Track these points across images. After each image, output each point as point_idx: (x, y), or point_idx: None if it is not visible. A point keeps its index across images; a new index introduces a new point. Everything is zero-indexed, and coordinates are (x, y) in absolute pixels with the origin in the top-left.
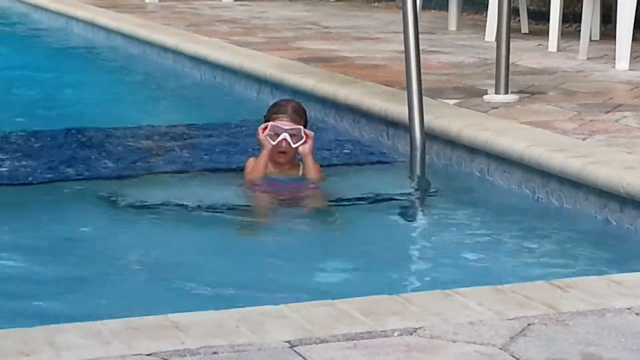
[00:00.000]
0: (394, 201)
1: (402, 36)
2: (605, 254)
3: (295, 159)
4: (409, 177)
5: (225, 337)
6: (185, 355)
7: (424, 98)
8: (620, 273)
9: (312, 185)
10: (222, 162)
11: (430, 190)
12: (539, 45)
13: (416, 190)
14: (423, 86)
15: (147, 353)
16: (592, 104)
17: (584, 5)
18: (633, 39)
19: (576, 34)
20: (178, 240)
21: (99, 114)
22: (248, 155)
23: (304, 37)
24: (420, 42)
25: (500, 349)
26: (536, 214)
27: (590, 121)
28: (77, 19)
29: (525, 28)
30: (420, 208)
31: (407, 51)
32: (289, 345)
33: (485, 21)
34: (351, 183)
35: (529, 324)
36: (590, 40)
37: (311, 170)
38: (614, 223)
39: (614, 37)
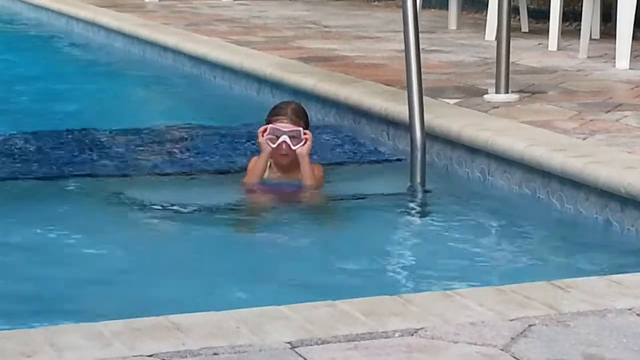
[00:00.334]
0: (394, 201)
1: (402, 35)
2: (606, 254)
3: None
4: (410, 177)
5: (226, 338)
6: (186, 357)
7: (425, 97)
8: (621, 273)
9: (310, 190)
10: (222, 163)
11: (431, 190)
12: (539, 44)
13: (416, 190)
14: (423, 85)
15: (148, 354)
16: (592, 103)
17: (584, 3)
18: (633, 38)
19: (576, 33)
20: (178, 240)
21: (99, 114)
22: (248, 156)
23: (304, 37)
24: (421, 41)
25: (502, 349)
26: (537, 214)
27: (591, 120)
28: (77, 19)
29: (525, 27)
30: (421, 208)
31: (407, 50)
32: (289, 346)
33: (486, 20)
34: (351, 183)
35: (530, 325)
36: (591, 39)
37: (307, 172)
38: (615, 223)
39: (614, 36)
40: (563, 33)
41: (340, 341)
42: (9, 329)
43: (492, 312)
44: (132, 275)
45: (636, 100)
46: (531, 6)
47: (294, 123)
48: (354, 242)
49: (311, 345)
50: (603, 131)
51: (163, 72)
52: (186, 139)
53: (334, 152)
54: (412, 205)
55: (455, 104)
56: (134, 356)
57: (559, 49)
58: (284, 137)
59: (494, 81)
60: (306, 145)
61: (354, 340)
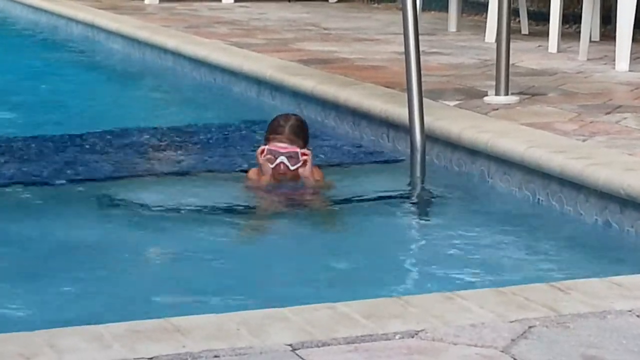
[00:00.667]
0: (394, 203)
1: (402, 37)
2: (606, 255)
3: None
4: (410, 179)
5: (227, 341)
6: (186, 359)
7: (424, 99)
8: (621, 275)
9: (312, 191)
10: (222, 164)
11: (431, 192)
12: (539, 46)
13: (416, 192)
14: (423, 88)
15: (149, 356)
16: (592, 105)
17: (583, 6)
18: (633, 40)
19: (576, 35)
20: (178, 242)
21: (99, 116)
22: (248, 158)
23: (304, 39)
24: (420, 44)
25: (502, 351)
26: (537, 215)
27: (591, 122)
28: (77, 21)
29: (525, 29)
30: (421, 210)
31: (407, 52)
32: (290, 349)
33: (485, 22)
34: (351, 185)
35: (530, 327)
36: (590, 41)
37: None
38: (615, 225)
39: (614, 38)
40: (563, 35)
41: (340, 343)
42: (8, 332)
43: (493, 313)
44: (132, 276)
45: (636, 102)
46: (531, 8)
47: (292, 142)
48: (354, 244)
49: (311, 347)
50: (603, 133)
51: (163, 74)
52: (186, 140)
53: (333, 154)
54: (412, 207)
55: (455, 106)
56: (134, 358)
57: (558, 51)
58: (282, 159)
59: (493, 83)
60: (307, 166)
61: (354, 343)
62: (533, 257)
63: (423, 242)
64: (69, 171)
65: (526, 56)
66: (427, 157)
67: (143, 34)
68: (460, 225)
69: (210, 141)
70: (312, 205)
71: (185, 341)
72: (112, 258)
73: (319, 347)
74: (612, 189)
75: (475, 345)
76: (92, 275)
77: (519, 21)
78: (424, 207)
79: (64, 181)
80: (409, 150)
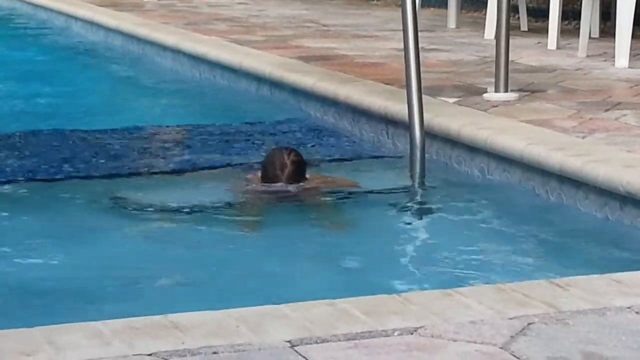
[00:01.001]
0: (393, 200)
1: (401, 34)
2: (605, 252)
3: None
4: (409, 176)
5: (226, 337)
6: (185, 355)
7: (424, 96)
8: (620, 272)
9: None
10: (221, 161)
11: (430, 189)
12: (539, 42)
13: (416, 188)
14: (423, 84)
15: (148, 353)
16: (591, 102)
17: (583, 2)
18: (632, 37)
19: (575, 32)
20: (177, 239)
21: (98, 113)
22: (247, 156)
23: (303, 36)
24: (420, 40)
25: (501, 348)
26: (536, 212)
27: (590, 119)
28: (76, 18)
29: (524, 26)
30: (420, 207)
31: (406, 49)
32: (289, 345)
33: (485, 19)
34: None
35: (529, 323)
36: (590, 37)
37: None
38: (614, 221)
39: (614, 35)
40: (562, 32)
41: (339, 340)
42: (8, 328)
43: (492, 310)
44: (131, 274)
45: (635, 99)
46: (530, 5)
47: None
48: (353, 241)
49: (311, 344)
50: (602, 130)
51: (162, 71)
52: (185, 138)
53: (332, 151)
54: (411, 204)
55: (454, 102)
56: (133, 355)
57: (558, 47)
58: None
59: (493, 80)
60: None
61: (353, 339)
62: (532, 253)
63: (422, 238)
64: (66, 168)
65: (525, 53)
66: (426, 154)
67: (142, 31)
68: (459, 222)
69: (210, 139)
70: (311, 202)
71: (184, 338)
72: (110, 254)
73: (318, 343)
74: (611, 186)
75: (475, 342)
76: (91, 272)
77: (518, 18)
78: (424, 204)
79: (61, 178)
80: (408, 147)
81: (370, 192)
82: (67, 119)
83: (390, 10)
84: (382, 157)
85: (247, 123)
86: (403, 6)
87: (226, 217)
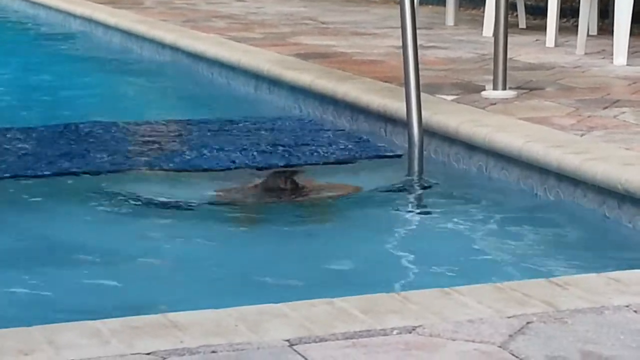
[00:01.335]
0: (391, 198)
1: (399, 31)
2: (603, 251)
3: None
4: (407, 174)
5: (224, 336)
6: (184, 354)
7: (422, 94)
8: (619, 270)
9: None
10: (219, 158)
11: (428, 187)
12: (537, 40)
13: (414, 187)
14: (421, 82)
15: (146, 352)
16: (590, 99)
17: (581, 0)
18: (631, 34)
19: (574, 29)
20: (176, 237)
21: (97, 110)
22: (246, 153)
23: (302, 33)
24: (418, 38)
25: (500, 347)
26: (534, 210)
27: (588, 117)
28: (75, 15)
29: (522, 23)
30: (418, 205)
31: (404, 47)
32: (288, 344)
33: (483, 16)
34: (348, 180)
35: (528, 322)
36: (588, 35)
37: None
38: (612, 220)
39: (612, 32)
40: (560, 29)
41: (338, 339)
42: (6, 327)
43: (490, 309)
44: (130, 271)
45: (634, 97)
46: (528, 2)
47: None
48: (351, 239)
49: (309, 343)
50: (601, 127)
51: (161, 68)
52: (183, 135)
53: (330, 149)
54: (409, 202)
55: (452, 100)
56: (132, 354)
57: (556, 45)
58: None
59: (491, 77)
60: None
61: (352, 338)
62: (531, 252)
63: (420, 237)
64: (64, 164)
65: (524, 50)
66: (424, 151)
67: (141, 28)
68: (458, 220)
69: (207, 135)
70: (311, 200)
71: (182, 337)
72: (109, 252)
73: (316, 342)
74: (609, 184)
75: (473, 341)
76: (89, 270)
77: (517, 15)
78: (421, 201)
79: (60, 173)
80: (406, 145)
81: (368, 189)
82: (65, 116)
83: (388, 8)
84: (380, 154)
85: (245, 120)
86: (401, 3)
87: (224, 214)
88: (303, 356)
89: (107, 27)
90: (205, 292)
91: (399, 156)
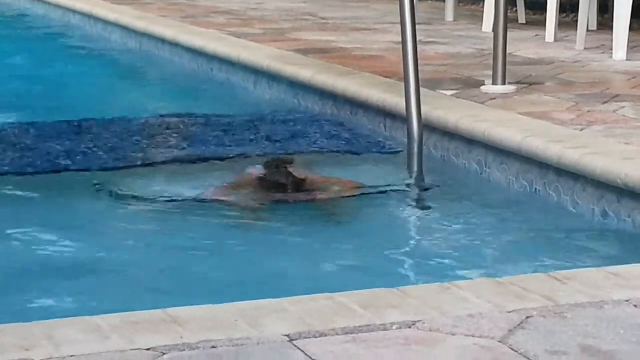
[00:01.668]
0: (391, 193)
1: (399, 27)
2: (603, 245)
3: None
4: (407, 169)
5: (224, 332)
6: (184, 350)
7: (422, 89)
8: (618, 265)
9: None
10: (219, 154)
11: (428, 182)
12: (536, 35)
13: (413, 182)
14: (420, 77)
15: (146, 347)
16: (589, 94)
17: None
18: (630, 29)
19: (573, 24)
20: (175, 232)
21: (96, 106)
22: (245, 148)
23: (301, 28)
24: (418, 33)
25: (499, 341)
26: (534, 205)
27: (588, 112)
28: (74, 11)
29: (522, 18)
30: (418, 200)
31: (404, 42)
32: (288, 339)
33: (483, 12)
34: (348, 175)
35: (527, 317)
36: (588, 30)
37: None
38: (612, 214)
39: (612, 27)
40: (560, 24)
41: (338, 334)
42: (6, 323)
43: (490, 304)
44: (130, 267)
45: (633, 92)
46: None
47: None
48: (351, 234)
49: (309, 338)
50: (600, 122)
51: (160, 64)
52: (183, 130)
53: (330, 144)
54: (409, 197)
55: (452, 95)
56: (131, 350)
57: (556, 40)
58: None
59: (491, 73)
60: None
61: (352, 333)
62: (530, 247)
63: (420, 232)
64: (65, 160)
65: (523, 45)
66: (424, 146)
67: (141, 24)
68: (457, 215)
69: (207, 131)
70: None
71: (182, 332)
72: (108, 248)
73: (316, 337)
74: (609, 179)
75: (473, 336)
76: (89, 266)
77: (516, 10)
78: (421, 197)
79: (60, 170)
80: (406, 140)
81: (368, 184)
82: (64, 112)
83: (388, 3)
84: (380, 149)
85: (245, 115)
86: None
87: (224, 210)
88: (303, 351)
89: (106, 23)
90: (205, 286)
91: (399, 151)
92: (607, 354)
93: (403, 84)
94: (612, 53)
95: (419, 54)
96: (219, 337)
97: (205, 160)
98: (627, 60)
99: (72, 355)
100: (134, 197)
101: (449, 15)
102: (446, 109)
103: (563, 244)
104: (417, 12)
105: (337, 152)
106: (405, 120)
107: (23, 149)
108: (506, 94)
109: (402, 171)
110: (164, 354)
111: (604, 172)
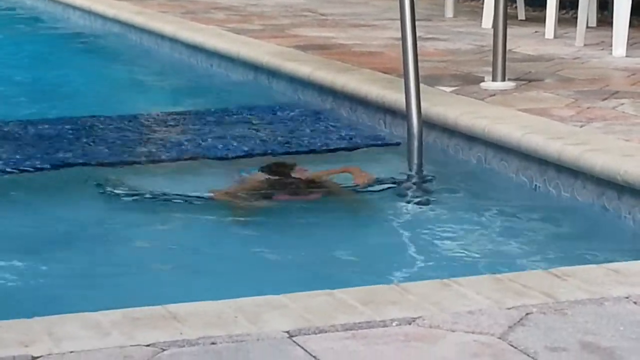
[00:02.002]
0: (390, 190)
1: (398, 23)
2: (602, 242)
3: None
4: (406, 165)
5: (224, 328)
6: (184, 346)
7: (421, 85)
8: (618, 261)
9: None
10: (219, 150)
11: (428, 179)
12: (536, 32)
13: (413, 178)
14: (420, 73)
15: (146, 343)
16: (589, 91)
17: None
18: (630, 26)
19: (573, 21)
20: (176, 228)
21: (96, 102)
22: (245, 144)
23: (301, 25)
24: (417, 29)
25: (499, 338)
26: (533, 202)
27: (588, 108)
28: (74, 7)
29: (522, 15)
30: (417, 196)
31: (404, 38)
32: (287, 335)
33: (482, 8)
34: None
35: (527, 313)
36: (587, 26)
37: None
38: (612, 211)
39: (611, 24)
40: (560, 21)
41: (338, 330)
42: (6, 319)
43: (490, 300)
44: (130, 264)
45: (633, 88)
46: None
47: None
48: (350, 231)
49: (309, 334)
50: (600, 119)
51: (160, 60)
52: (183, 127)
53: (329, 140)
54: (408, 193)
55: (451, 91)
56: (132, 345)
57: (555, 36)
58: None
59: (490, 69)
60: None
61: (351, 329)
62: (530, 243)
63: (420, 228)
64: (64, 157)
65: (523, 42)
66: (424, 143)
67: (140, 20)
68: (457, 212)
69: (207, 127)
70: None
71: (182, 328)
72: (109, 244)
73: (316, 333)
74: (609, 175)
75: (473, 332)
76: (89, 262)
77: (516, 7)
78: (420, 193)
79: (60, 166)
80: (405, 136)
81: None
82: (64, 108)
83: (387, 0)
84: (380, 146)
85: (244, 111)
86: None
87: (224, 206)
88: (302, 347)
89: (106, 18)
90: (205, 282)
91: (398, 146)
92: (607, 351)
93: (402, 80)
94: (611, 50)
95: (418, 50)
96: (219, 333)
97: (204, 157)
98: (626, 56)
99: (72, 351)
100: (135, 194)
101: (449, 12)
102: (446, 105)
103: (563, 240)
104: (416, 8)
105: (335, 148)
106: (405, 116)
107: (21, 145)
108: (506, 90)
109: (402, 167)
110: (164, 350)
111: (603, 169)
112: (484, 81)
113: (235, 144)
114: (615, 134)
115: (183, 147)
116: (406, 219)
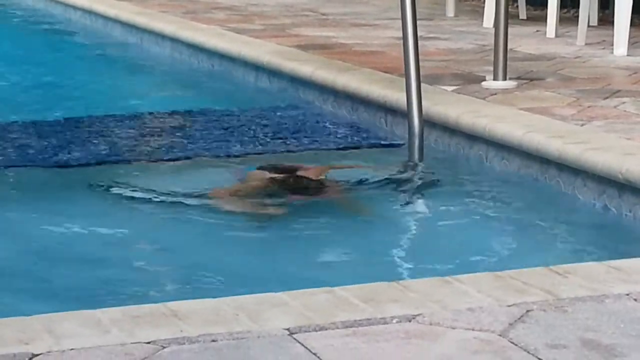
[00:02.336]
0: (392, 188)
1: (399, 22)
2: (603, 239)
3: None
4: (408, 164)
5: (224, 325)
6: (184, 343)
7: (422, 84)
8: (619, 259)
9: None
10: (219, 150)
11: (429, 177)
12: (537, 31)
13: (414, 177)
14: (421, 73)
15: (146, 341)
16: (590, 90)
17: None
18: (631, 25)
19: (574, 20)
20: (176, 227)
21: (97, 102)
22: (245, 144)
23: (302, 24)
24: (418, 29)
25: (500, 335)
26: (535, 200)
27: (589, 107)
28: (75, 7)
29: (523, 14)
30: (419, 195)
31: (405, 38)
32: (288, 333)
33: (483, 7)
34: (349, 170)
35: (528, 310)
36: (589, 25)
37: None
38: (613, 209)
39: (612, 23)
40: (561, 20)
41: (338, 327)
42: (6, 316)
43: (490, 297)
44: (130, 262)
45: (634, 87)
46: None
47: None
48: (351, 228)
49: (309, 331)
50: (601, 118)
51: (161, 60)
52: (184, 126)
53: (330, 139)
54: (409, 191)
55: (453, 91)
56: (132, 343)
57: (556, 35)
58: None
59: (492, 68)
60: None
61: (352, 327)
62: (531, 241)
63: (420, 226)
64: (65, 156)
65: (524, 41)
66: (425, 142)
67: (141, 20)
68: (458, 210)
69: (208, 127)
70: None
71: (182, 326)
72: (109, 243)
73: (317, 331)
74: (610, 174)
75: (473, 330)
76: (89, 260)
77: (517, 6)
78: (422, 192)
79: (60, 165)
80: (407, 135)
81: (369, 180)
82: (65, 107)
83: None
84: (381, 145)
85: (245, 111)
86: None
87: (224, 205)
88: (303, 345)
89: (106, 18)
90: (205, 280)
91: (400, 146)
92: (608, 348)
93: (404, 79)
94: (612, 49)
95: (419, 49)
96: (219, 330)
97: (205, 156)
98: (627, 55)
99: (72, 349)
100: (136, 193)
101: (450, 11)
102: (447, 104)
103: (564, 238)
104: (417, 7)
105: (337, 148)
106: (406, 115)
107: (22, 144)
108: (507, 89)
109: (403, 166)
110: (164, 347)
111: (604, 167)
112: (485, 80)
113: (236, 143)
114: (617, 133)
115: (184, 146)
116: (407, 217)
